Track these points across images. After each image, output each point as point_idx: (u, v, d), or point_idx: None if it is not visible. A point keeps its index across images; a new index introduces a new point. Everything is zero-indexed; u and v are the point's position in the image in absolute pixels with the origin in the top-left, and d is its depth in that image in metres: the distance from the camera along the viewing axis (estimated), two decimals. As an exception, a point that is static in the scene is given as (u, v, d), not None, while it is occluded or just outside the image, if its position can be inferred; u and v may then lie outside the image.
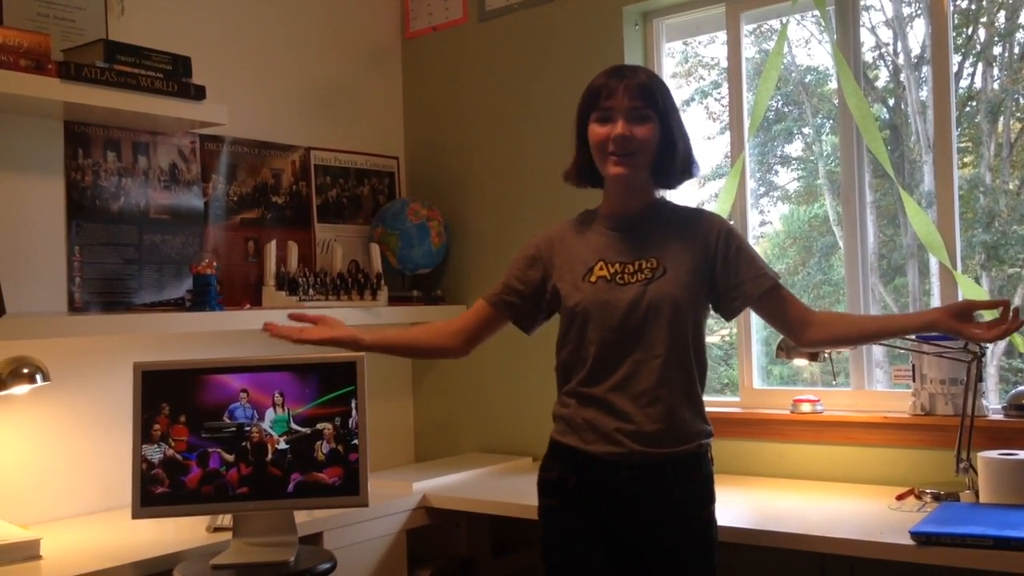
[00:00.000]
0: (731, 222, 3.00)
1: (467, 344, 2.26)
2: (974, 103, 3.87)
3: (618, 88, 2.03)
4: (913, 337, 2.63)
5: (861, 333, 2.16)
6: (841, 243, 3.07)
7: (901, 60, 3.97)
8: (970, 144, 3.84)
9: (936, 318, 1.99)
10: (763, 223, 4.01)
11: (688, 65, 4.11)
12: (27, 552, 2.19)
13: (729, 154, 3.14)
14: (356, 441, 2.33)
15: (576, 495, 2.06)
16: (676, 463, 2.02)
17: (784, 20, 3.00)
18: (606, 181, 2.12)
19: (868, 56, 3.70)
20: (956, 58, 2.78)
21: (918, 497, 2.45)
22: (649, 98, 2.04)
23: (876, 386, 2.86)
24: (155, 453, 2.28)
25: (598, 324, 2.04)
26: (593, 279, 2.07)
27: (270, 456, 2.31)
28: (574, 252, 2.13)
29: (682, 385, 2.04)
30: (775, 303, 2.10)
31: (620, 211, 2.12)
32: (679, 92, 3.52)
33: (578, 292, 2.07)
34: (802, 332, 2.09)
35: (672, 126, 2.07)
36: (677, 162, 2.09)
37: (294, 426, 2.33)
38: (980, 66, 3.91)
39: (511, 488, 2.82)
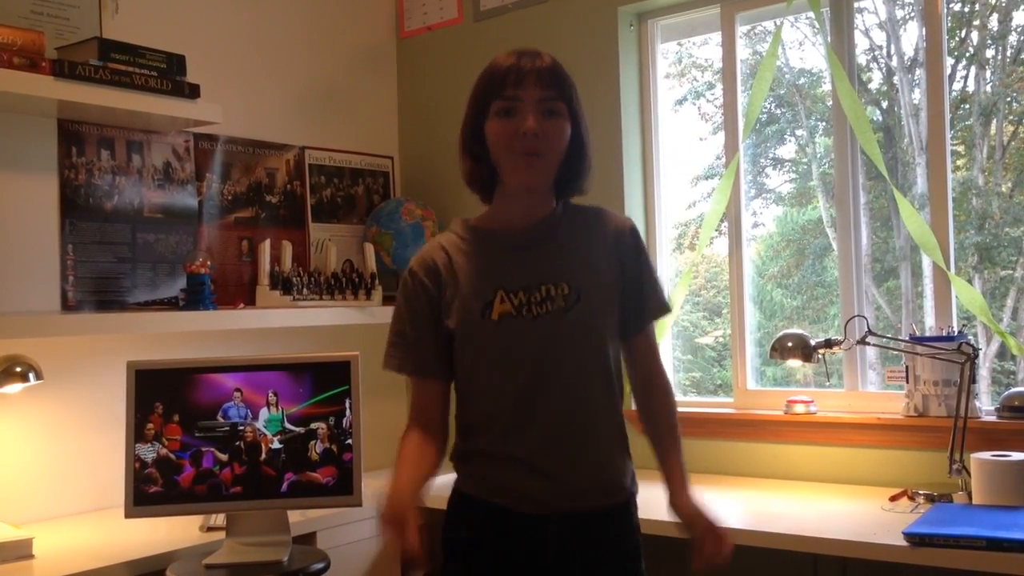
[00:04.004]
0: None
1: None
2: (967, 106, 3.88)
3: (526, 73, 1.68)
4: (907, 338, 2.64)
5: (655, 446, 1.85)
6: (835, 245, 3.07)
7: (894, 63, 3.98)
8: (963, 147, 3.85)
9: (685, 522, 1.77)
10: (755, 225, 4.01)
11: (681, 66, 4.11)
12: (19, 551, 2.18)
13: (721, 155, 3.14)
14: (350, 441, 2.33)
15: (494, 557, 1.74)
16: (610, 515, 1.76)
17: (778, 22, 3.01)
18: (502, 187, 1.77)
19: (861, 58, 3.71)
20: (949, 61, 2.79)
21: (911, 498, 2.46)
22: (561, 87, 1.70)
23: (869, 387, 2.87)
24: (148, 452, 2.27)
25: (508, 371, 1.71)
26: (495, 316, 1.70)
27: (264, 456, 2.31)
28: (465, 281, 1.75)
29: (611, 427, 1.76)
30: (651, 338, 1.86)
31: (517, 224, 1.77)
32: (672, 93, 3.52)
33: (478, 335, 1.72)
34: (642, 394, 1.86)
35: (581, 124, 1.76)
36: (584, 168, 1.78)
37: (288, 426, 2.33)
38: (973, 69, 3.92)
39: (505, 488, 2.82)
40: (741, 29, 3.11)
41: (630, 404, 1.92)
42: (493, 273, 1.74)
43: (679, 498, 1.80)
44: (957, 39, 3.82)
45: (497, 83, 1.70)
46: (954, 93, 3.74)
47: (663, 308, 1.86)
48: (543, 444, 1.71)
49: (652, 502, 1.90)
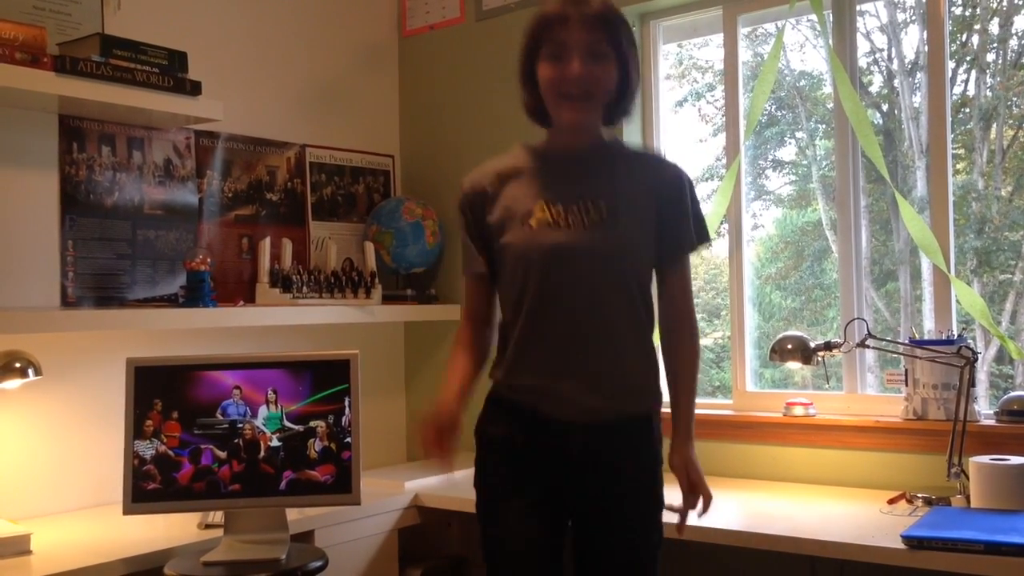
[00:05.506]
0: (727, 220, 3.00)
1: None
2: (967, 109, 3.89)
3: (573, 18, 1.79)
4: (906, 341, 2.65)
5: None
6: (834, 247, 3.08)
7: (895, 66, 3.99)
8: (963, 150, 3.86)
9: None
10: (755, 227, 4.02)
11: (682, 67, 4.11)
12: (17, 547, 2.18)
13: (721, 157, 3.14)
14: (349, 439, 2.33)
15: (519, 455, 1.90)
16: (629, 425, 1.89)
17: (780, 24, 3.01)
18: (554, 120, 1.92)
19: (862, 61, 3.72)
20: (950, 64, 2.79)
21: (909, 501, 2.46)
22: (608, 30, 1.82)
23: (868, 390, 2.87)
24: (147, 449, 2.27)
25: (540, 277, 1.84)
26: (534, 223, 1.85)
27: (262, 453, 2.30)
28: (510, 194, 1.91)
29: (635, 343, 1.89)
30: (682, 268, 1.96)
31: (565, 148, 1.93)
32: (672, 94, 3.52)
33: (516, 240, 1.86)
34: (668, 334, 1.98)
35: (630, 63, 1.87)
36: (630, 103, 1.92)
37: (287, 423, 2.33)
38: (973, 73, 3.93)
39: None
40: (743, 31, 3.12)
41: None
42: (538, 187, 1.88)
43: (675, 450, 1.95)
44: (958, 43, 3.83)
45: (544, 27, 1.83)
46: (954, 97, 3.74)
47: (698, 240, 1.96)
48: (566, 352, 1.85)
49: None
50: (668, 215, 1.91)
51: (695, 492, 1.93)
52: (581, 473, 1.88)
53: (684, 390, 1.98)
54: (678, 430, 1.97)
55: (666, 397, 2.01)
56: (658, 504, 1.94)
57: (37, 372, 2.41)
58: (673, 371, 1.99)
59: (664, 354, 2.01)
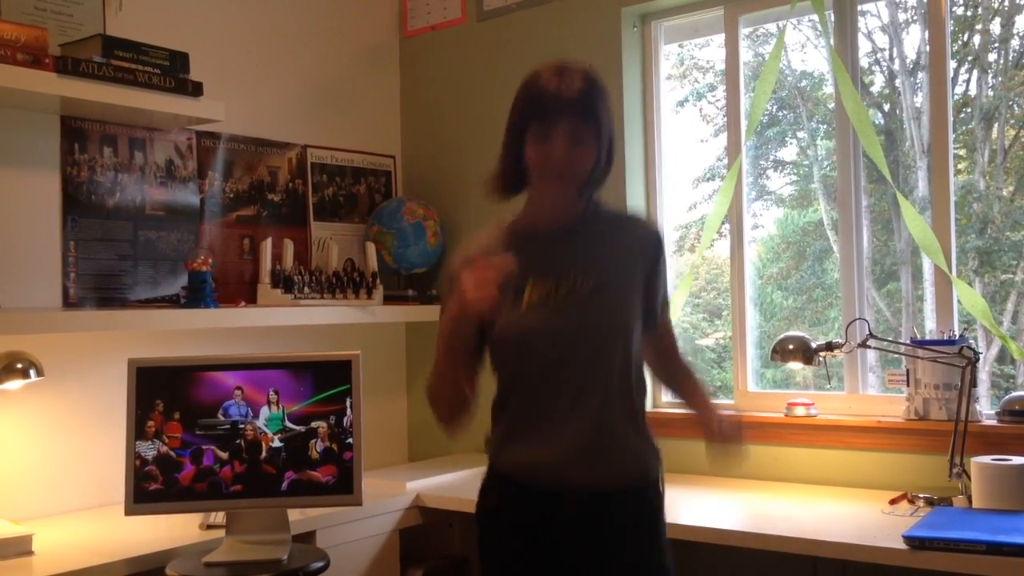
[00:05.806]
0: (727, 225, 3.01)
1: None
2: (968, 109, 3.88)
3: (563, 98, 1.82)
4: (908, 341, 2.65)
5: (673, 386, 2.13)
6: (835, 247, 3.07)
7: (896, 66, 3.98)
8: (964, 150, 3.85)
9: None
10: (755, 227, 4.01)
11: (683, 68, 4.11)
12: (19, 548, 2.18)
13: (722, 157, 3.14)
14: (351, 440, 2.33)
15: (513, 528, 1.88)
16: (625, 497, 1.86)
17: (781, 24, 3.01)
18: (533, 191, 1.93)
19: (864, 61, 3.71)
20: (951, 64, 2.79)
21: (911, 501, 2.46)
22: (592, 113, 1.85)
23: (869, 390, 2.87)
24: (149, 450, 2.27)
25: (534, 355, 1.86)
26: (525, 305, 1.85)
27: (264, 454, 2.31)
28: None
29: (629, 412, 1.88)
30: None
31: (547, 223, 1.93)
32: (673, 94, 3.52)
33: (508, 324, 1.85)
34: (670, 381, 2.11)
35: (609, 139, 1.90)
36: (607, 173, 1.94)
37: (288, 424, 2.33)
38: (975, 72, 3.92)
39: (504, 488, 2.82)
40: (744, 31, 3.12)
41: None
42: (525, 265, 1.85)
43: (709, 420, 1.96)
44: (960, 43, 3.82)
45: (536, 102, 1.85)
46: (956, 97, 3.74)
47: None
48: (559, 426, 1.84)
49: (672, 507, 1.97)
50: (652, 275, 1.95)
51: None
52: (573, 544, 1.84)
53: (695, 384, 2.05)
54: (702, 404, 2.01)
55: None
56: None
57: (39, 373, 2.41)
58: (687, 386, 2.05)
59: (673, 385, 2.11)
